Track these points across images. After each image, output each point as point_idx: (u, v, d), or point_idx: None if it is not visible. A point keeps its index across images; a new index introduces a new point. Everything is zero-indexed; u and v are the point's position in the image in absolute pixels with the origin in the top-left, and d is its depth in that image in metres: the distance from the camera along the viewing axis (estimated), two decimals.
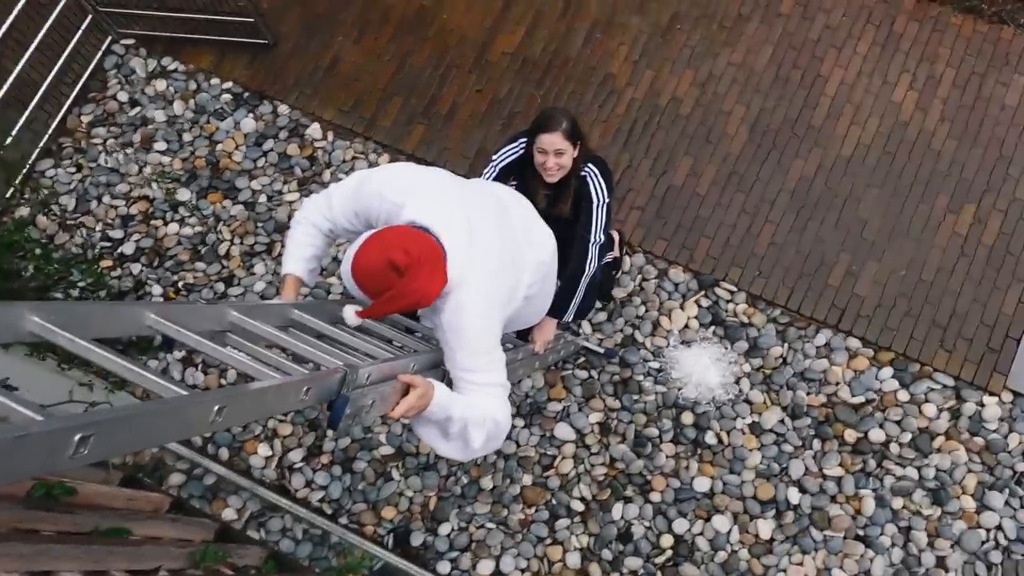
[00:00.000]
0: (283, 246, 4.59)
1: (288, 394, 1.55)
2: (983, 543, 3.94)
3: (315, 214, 2.49)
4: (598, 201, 3.12)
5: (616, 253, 4.23)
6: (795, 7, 4.88)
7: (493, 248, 2.28)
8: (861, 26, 4.81)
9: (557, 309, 3.20)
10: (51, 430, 1.00)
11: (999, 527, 3.96)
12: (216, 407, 1.31)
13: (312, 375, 1.65)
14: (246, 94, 5.07)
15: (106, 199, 4.89)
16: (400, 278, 1.96)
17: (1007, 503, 3.99)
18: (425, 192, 2.22)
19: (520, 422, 4.28)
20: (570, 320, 3.39)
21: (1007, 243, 4.37)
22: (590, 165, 3.14)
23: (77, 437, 1.04)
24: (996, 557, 3.92)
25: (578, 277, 3.16)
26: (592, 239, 3.13)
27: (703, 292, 4.44)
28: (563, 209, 3.19)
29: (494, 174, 3.16)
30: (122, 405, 1.18)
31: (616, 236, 4.16)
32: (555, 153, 2.98)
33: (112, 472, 3.70)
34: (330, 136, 4.94)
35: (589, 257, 3.14)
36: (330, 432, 4.26)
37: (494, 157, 3.20)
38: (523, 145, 3.14)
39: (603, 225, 3.14)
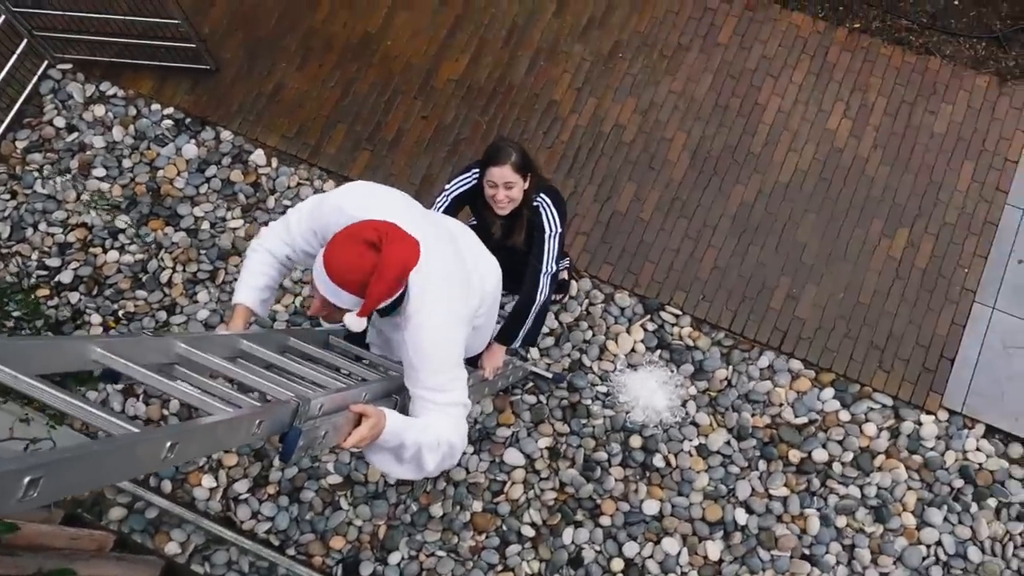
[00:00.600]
0: (227, 273, 4.57)
1: (240, 428, 1.52)
2: (924, 559, 4.03)
3: (273, 240, 2.46)
4: (550, 231, 3.13)
5: (564, 275, 4.26)
6: (733, 37, 5.01)
7: (449, 268, 2.29)
8: (796, 56, 4.95)
9: (506, 336, 3.22)
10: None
11: (939, 543, 4.06)
12: (168, 443, 1.29)
13: (264, 408, 1.63)
14: (188, 120, 5.01)
15: (42, 226, 4.77)
16: (379, 252, 1.95)
17: (946, 519, 4.09)
18: (380, 206, 2.21)
19: (469, 448, 4.26)
20: (518, 346, 3.40)
21: (939, 266, 4.51)
22: (543, 195, 3.15)
23: (27, 480, 1.01)
24: (937, 572, 4.01)
25: (529, 305, 3.17)
26: (544, 269, 3.14)
27: (649, 316, 4.50)
28: (517, 240, 3.21)
29: (446, 204, 3.17)
30: (72, 444, 1.14)
31: (566, 261, 4.19)
32: (504, 186, 3.00)
33: (53, 510, 3.58)
34: (274, 162, 4.90)
35: (540, 286, 3.15)
36: (278, 463, 4.21)
37: (447, 187, 3.21)
38: (476, 176, 3.15)
39: (555, 255, 3.15)
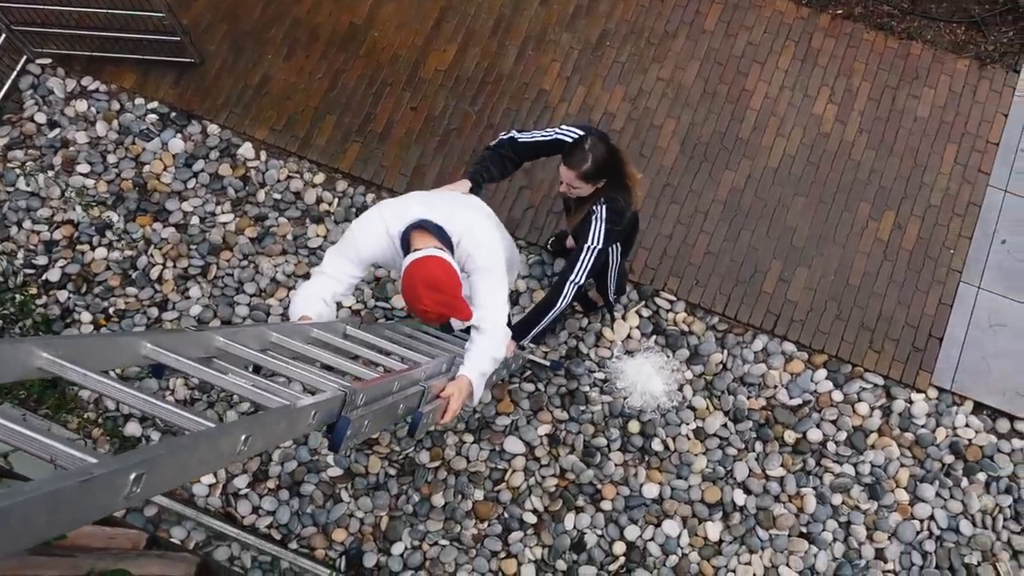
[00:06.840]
0: (219, 268, 4.55)
1: (299, 419, 1.53)
2: (917, 534, 4.13)
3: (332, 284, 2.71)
4: (590, 245, 3.08)
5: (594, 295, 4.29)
6: (718, 24, 5.05)
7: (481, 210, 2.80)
8: (781, 42, 5.00)
9: (521, 331, 3.22)
10: (112, 471, 0.97)
11: (931, 517, 4.16)
12: (243, 436, 1.30)
13: (318, 399, 1.63)
14: (173, 114, 4.95)
15: (27, 224, 4.69)
16: (436, 290, 2.38)
17: (937, 494, 4.19)
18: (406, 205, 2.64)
19: (469, 437, 4.29)
20: (526, 343, 3.38)
21: (925, 247, 4.60)
22: (603, 205, 3.07)
23: (132, 476, 1.01)
24: (930, 546, 4.11)
25: (549, 308, 3.15)
26: (572, 278, 3.11)
27: (644, 302, 4.54)
28: (572, 221, 3.22)
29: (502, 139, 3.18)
30: (167, 441, 1.13)
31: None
32: (568, 185, 2.98)
33: None
34: (263, 155, 4.86)
35: (564, 293, 3.12)
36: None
37: (518, 135, 3.17)
38: (551, 144, 3.12)
39: (587, 268, 3.10)
